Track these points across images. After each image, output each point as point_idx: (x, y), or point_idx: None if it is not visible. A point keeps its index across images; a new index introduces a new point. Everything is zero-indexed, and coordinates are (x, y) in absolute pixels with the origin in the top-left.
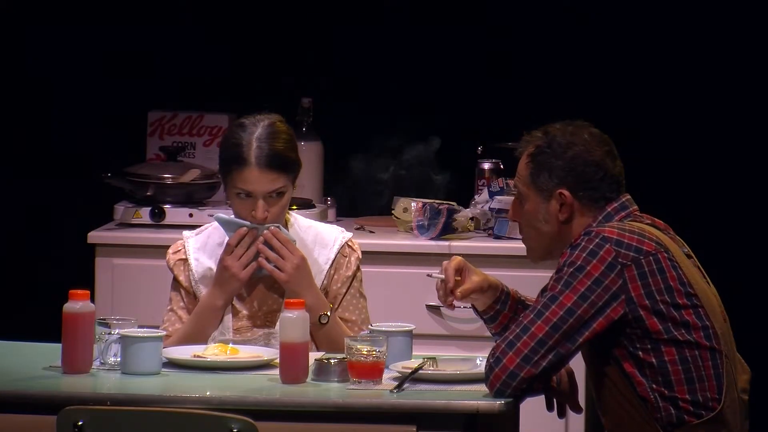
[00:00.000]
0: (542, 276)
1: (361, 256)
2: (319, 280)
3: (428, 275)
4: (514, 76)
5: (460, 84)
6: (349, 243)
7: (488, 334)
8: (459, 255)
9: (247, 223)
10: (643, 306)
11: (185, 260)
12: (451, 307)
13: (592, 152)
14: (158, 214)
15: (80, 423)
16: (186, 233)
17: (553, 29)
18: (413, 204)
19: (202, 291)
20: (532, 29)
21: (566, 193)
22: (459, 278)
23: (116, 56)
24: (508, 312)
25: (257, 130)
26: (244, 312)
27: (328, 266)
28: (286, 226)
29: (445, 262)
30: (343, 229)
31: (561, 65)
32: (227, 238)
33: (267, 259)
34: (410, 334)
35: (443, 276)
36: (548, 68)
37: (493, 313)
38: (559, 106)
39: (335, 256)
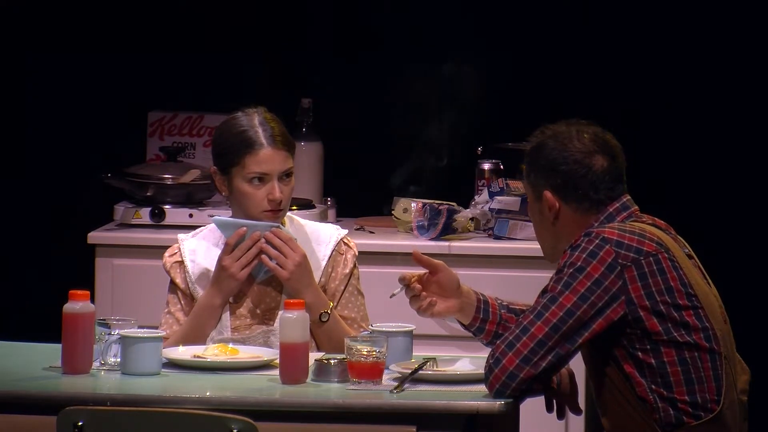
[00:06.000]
0: (542, 276)
1: (357, 253)
2: (316, 277)
3: (390, 297)
4: (515, 76)
5: (461, 84)
6: (345, 240)
7: None
8: (462, 255)
9: (247, 222)
10: (643, 307)
11: (181, 262)
12: (425, 303)
13: (575, 152)
14: (158, 215)
15: (80, 423)
16: (181, 236)
17: (554, 29)
18: (413, 204)
19: (199, 293)
20: (532, 29)
21: (548, 193)
22: (427, 273)
23: (116, 56)
24: (493, 318)
25: (256, 117)
26: (242, 310)
27: (324, 263)
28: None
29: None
30: (338, 226)
31: (561, 65)
32: (224, 239)
33: (269, 256)
34: (410, 335)
35: (402, 285)
36: (548, 68)
37: (479, 324)
38: (559, 107)
39: (331, 253)
